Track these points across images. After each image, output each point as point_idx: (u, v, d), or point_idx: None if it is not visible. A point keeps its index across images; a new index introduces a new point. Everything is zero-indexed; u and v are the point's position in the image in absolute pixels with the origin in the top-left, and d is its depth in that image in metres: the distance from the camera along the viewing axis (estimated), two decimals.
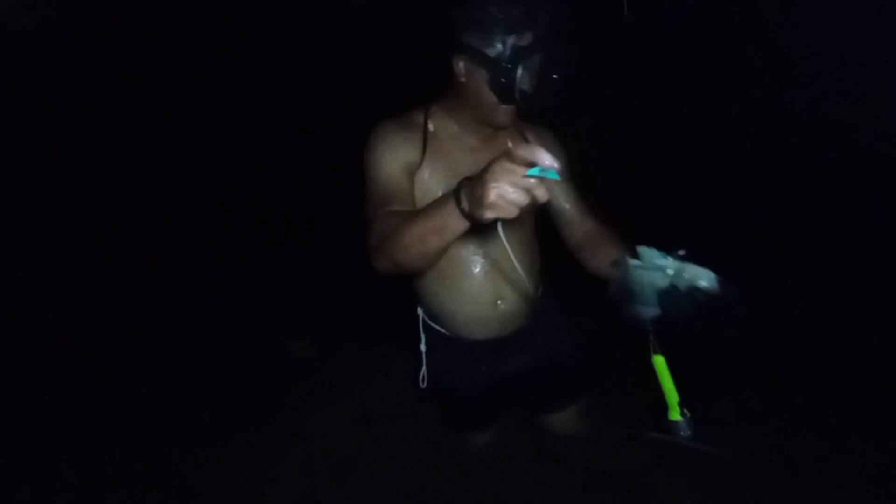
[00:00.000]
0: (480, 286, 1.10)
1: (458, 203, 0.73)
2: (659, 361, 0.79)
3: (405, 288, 1.22)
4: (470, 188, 0.70)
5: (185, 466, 1.84)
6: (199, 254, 3.14)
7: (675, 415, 0.77)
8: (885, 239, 2.25)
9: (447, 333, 1.20)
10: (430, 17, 1.08)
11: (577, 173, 1.19)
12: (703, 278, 0.71)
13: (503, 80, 0.91)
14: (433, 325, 1.22)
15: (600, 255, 1.05)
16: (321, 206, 3.57)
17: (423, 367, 1.25)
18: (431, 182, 1.03)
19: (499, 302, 1.12)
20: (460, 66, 0.97)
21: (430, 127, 1.05)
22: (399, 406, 2.00)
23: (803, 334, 2.06)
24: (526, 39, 0.91)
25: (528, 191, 0.64)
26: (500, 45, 0.90)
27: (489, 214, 0.65)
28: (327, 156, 2.88)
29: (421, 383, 1.26)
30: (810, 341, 2.02)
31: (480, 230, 1.04)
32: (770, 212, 2.64)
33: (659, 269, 0.73)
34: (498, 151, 1.05)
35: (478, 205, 0.66)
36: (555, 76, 0.93)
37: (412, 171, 1.01)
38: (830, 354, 1.97)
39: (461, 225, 0.75)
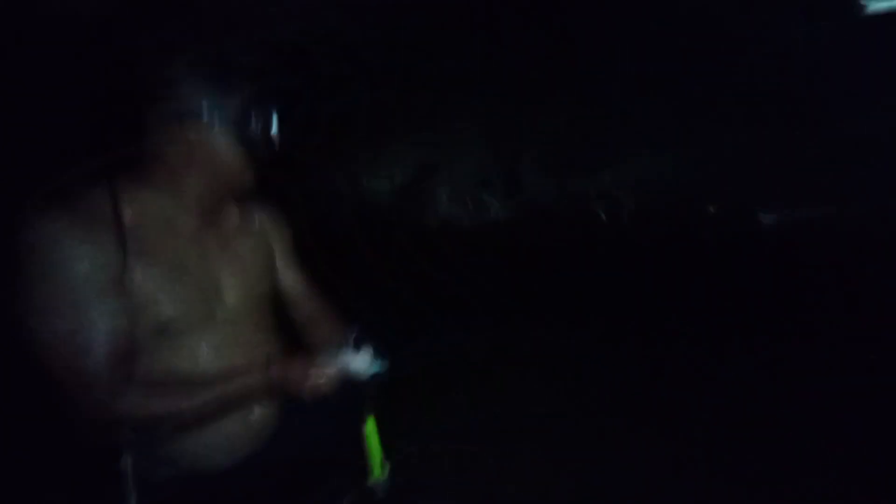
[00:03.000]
0: None
1: (272, 389, 0.86)
2: (370, 422, 0.85)
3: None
4: (283, 378, 0.86)
5: None
6: None
7: (377, 473, 0.83)
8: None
9: (177, 473, 0.90)
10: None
11: (301, 251, 1.22)
12: (351, 364, 0.86)
13: (240, 133, 0.86)
14: (152, 467, 0.89)
15: (319, 334, 1.06)
16: None
17: None
18: (150, 286, 0.80)
19: (248, 414, 0.92)
20: (185, 127, 0.84)
21: (128, 214, 0.82)
22: None
23: None
24: (255, 91, 0.86)
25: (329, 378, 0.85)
26: (229, 100, 0.84)
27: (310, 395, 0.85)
28: None
29: None
30: None
31: (211, 328, 0.89)
32: None
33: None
34: (227, 231, 0.98)
35: (297, 392, 0.85)
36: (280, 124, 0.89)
37: (114, 284, 0.77)
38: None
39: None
